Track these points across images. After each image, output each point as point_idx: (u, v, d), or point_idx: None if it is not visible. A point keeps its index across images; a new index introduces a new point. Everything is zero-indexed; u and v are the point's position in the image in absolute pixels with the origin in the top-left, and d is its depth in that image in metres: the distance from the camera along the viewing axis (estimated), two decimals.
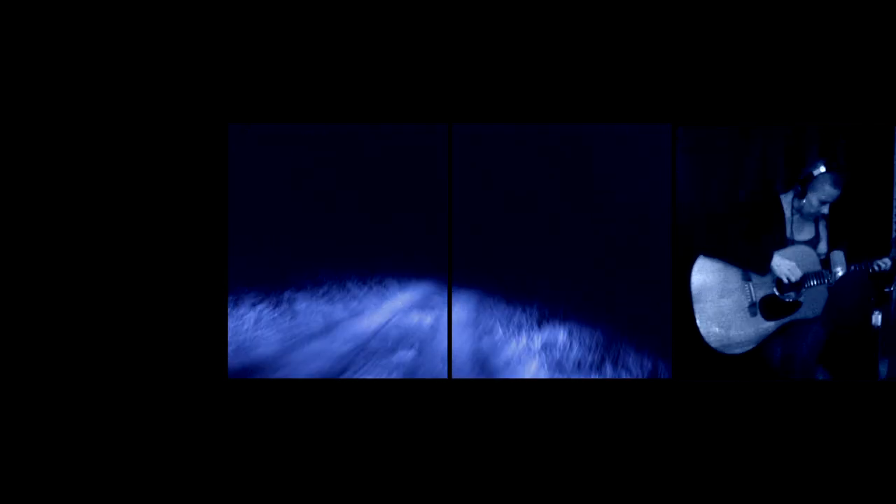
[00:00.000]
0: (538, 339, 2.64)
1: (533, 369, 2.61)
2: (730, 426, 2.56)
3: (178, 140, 2.59)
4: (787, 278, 2.69)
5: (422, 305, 2.65)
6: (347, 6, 2.60)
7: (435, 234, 2.64)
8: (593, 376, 2.61)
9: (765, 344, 2.70)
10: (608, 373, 2.61)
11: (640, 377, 2.60)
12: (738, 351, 2.68)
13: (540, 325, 2.65)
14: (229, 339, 2.59)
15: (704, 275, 2.68)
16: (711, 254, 2.68)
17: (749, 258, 2.69)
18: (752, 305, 2.70)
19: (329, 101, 2.61)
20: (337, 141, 2.64)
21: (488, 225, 2.65)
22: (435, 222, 2.64)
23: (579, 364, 2.62)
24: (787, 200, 2.72)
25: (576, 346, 2.63)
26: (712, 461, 2.55)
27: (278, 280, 2.62)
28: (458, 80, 2.61)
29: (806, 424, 2.55)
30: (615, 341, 2.62)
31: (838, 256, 2.71)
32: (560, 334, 2.64)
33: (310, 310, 2.62)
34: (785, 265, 2.69)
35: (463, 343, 2.63)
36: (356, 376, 2.59)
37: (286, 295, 2.62)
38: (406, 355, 2.62)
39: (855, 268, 2.66)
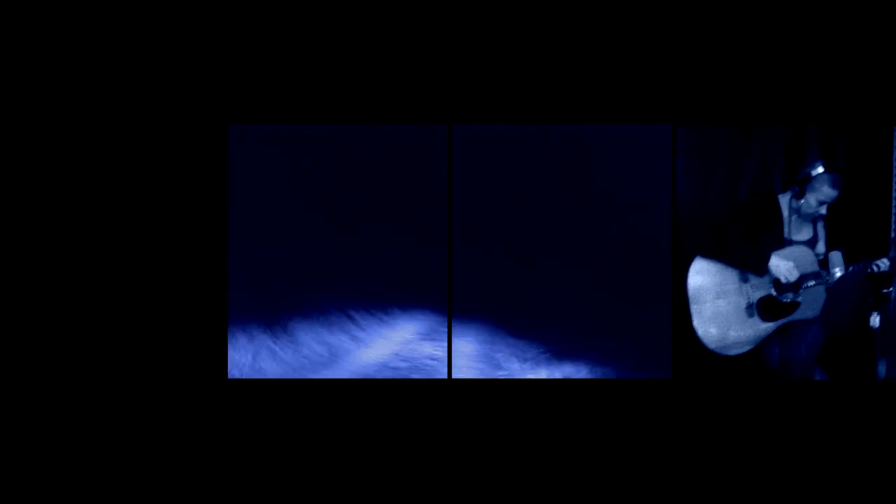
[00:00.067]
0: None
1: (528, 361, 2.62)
2: (729, 426, 2.57)
3: (177, 140, 2.59)
4: (785, 279, 2.69)
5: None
6: (347, 6, 2.59)
7: (435, 234, 2.64)
8: (593, 376, 2.62)
9: (763, 345, 2.70)
10: (606, 372, 2.62)
11: (640, 377, 2.61)
12: (736, 352, 2.68)
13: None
14: (228, 372, 2.59)
15: (702, 276, 2.68)
16: (709, 255, 2.68)
17: (747, 259, 2.69)
18: (749, 306, 2.70)
19: (329, 101, 2.61)
20: (337, 141, 2.63)
21: (488, 225, 2.65)
22: (435, 222, 2.64)
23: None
24: (784, 201, 2.72)
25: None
26: (712, 461, 2.56)
27: (280, 305, 2.61)
28: (458, 81, 2.60)
29: (805, 425, 2.56)
30: (614, 341, 2.63)
31: (837, 257, 2.71)
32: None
33: (311, 339, 2.62)
34: (783, 266, 2.69)
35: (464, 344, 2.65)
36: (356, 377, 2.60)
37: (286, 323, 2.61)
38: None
39: (853, 268, 2.67)
